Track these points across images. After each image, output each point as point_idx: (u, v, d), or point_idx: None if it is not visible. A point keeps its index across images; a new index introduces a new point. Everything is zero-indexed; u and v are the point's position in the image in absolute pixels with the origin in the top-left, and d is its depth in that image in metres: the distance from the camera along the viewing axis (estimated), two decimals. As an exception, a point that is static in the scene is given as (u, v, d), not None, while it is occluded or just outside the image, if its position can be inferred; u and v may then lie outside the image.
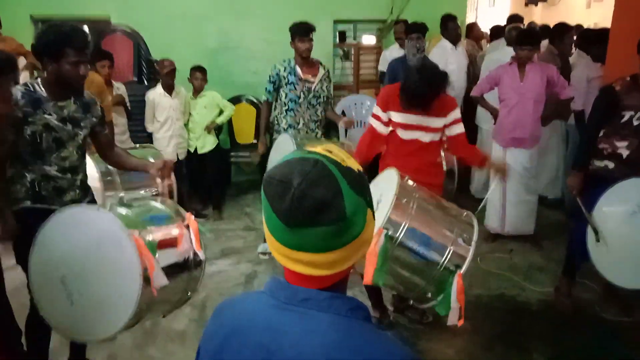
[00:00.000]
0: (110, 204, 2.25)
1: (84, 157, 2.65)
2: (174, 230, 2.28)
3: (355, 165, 0.91)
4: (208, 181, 4.99)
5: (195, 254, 2.33)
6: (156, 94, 4.82)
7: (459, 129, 3.09)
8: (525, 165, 4.28)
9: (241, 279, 3.94)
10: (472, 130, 5.62)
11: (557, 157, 5.23)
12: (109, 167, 3.17)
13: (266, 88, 4.21)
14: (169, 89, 4.79)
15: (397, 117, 3.05)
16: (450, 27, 5.27)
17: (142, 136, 4.85)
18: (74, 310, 2.09)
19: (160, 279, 2.04)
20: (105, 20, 5.70)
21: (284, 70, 4.12)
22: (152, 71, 5.34)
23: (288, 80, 4.12)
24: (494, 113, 4.46)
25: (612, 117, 3.16)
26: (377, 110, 3.13)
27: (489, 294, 3.72)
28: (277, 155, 3.94)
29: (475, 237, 2.59)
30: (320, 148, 0.92)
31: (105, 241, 2.05)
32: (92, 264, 2.05)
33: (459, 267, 2.49)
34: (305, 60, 4.13)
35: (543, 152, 4.78)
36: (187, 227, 2.34)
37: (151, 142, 4.73)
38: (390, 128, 3.12)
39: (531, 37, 4.17)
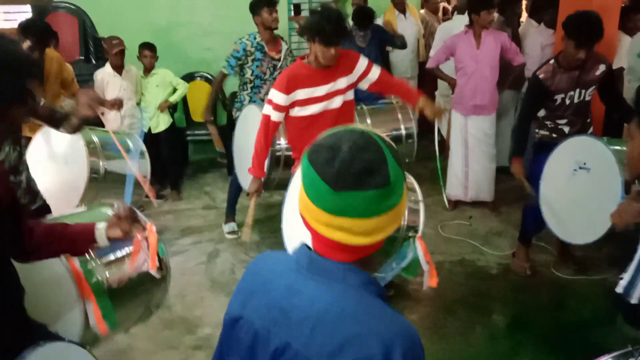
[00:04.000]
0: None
1: (22, 155, 2.45)
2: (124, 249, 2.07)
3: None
4: (164, 161, 4.87)
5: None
6: (105, 74, 4.64)
7: (376, 70, 2.96)
8: (487, 131, 4.37)
9: (203, 257, 3.88)
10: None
11: (509, 126, 5.31)
12: (94, 137, 3.15)
13: (228, 61, 4.01)
14: (119, 68, 4.62)
15: (306, 92, 2.87)
16: None
17: (92, 117, 4.66)
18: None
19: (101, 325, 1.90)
20: (47, -3, 5.42)
21: (251, 46, 3.96)
22: (99, 49, 5.13)
23: (255, 57, 3.97)
24: (452, 83, 4.50)
25: (546, 102, 3.29)
26: (276, 96, 2.87)
27: (450, 260, 3.78)
28: (247, 127, 3.85)
29: (420, 196, 2.61)
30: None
31: (39, 273, 1.86)
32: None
33: (415, 231, 2.51)
34: (271, 35, 4.00)
35: (498, 122, 4.85)
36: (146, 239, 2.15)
37: (101, 123, 4.55)
38: (282, 117, 2.94)
39: (492, 0, 4.17)
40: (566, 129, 3.30)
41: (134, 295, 2.12)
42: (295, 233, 2.69)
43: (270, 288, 0.99)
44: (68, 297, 1.85)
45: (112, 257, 2.07)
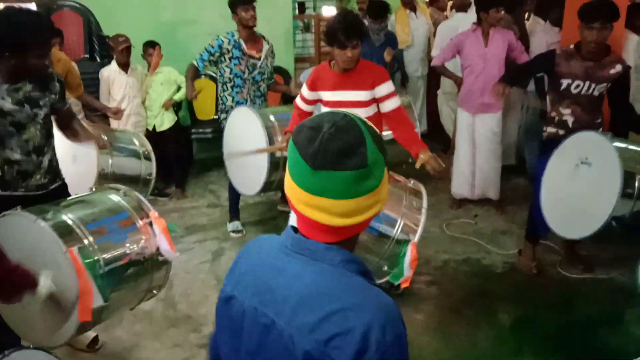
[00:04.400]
0: (54, 210, 2.13)
1: (50, 137, 2.53)
2: (130, 240, 2.20)
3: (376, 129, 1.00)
4: (169, 159, 4.87)
5: (159, 253, 2.24)
6: (111, 71, 4.64)
7: (392, 104, 2.90)
8: (494, 129, 4.36)
9: (208, 256, 3.88)
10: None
11: (515, 124, 5.29)
12: (103, 136, 3.18)
13: (201, 55, 3.91)
14: (125, 66, 4.62)
15: (328, 95, 2.96)
16: None
17: (98, 115, 4.67)
18: (27, 315, 2.05)
19: (97, 300, 1.96)
20: (52, -4, 5.42)
21: (228, 43, 3.88)
22: (104, 47, 5.13)
23: (233, 55, 3.90)
24: (458, 81, 4.48)
25: (552, 82, 3.30)
26: (303, 88, 3.09)
27: (455, 259, 3.77)
28: (236, 129, 3.84)
29: (424, 204, 2.59)
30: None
31: (39, 256, 1.98)
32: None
33: (411, 236, 2.50)
34: (250, 34, 3.93)
35: (504, 120, 4.84)
36: (151, 224, 2.25)
37: (107, 121, 4.57)
38: (311, 108, 3.10)
39: None
40: (570, 120, 3.26)
41: (135, 277, 2.19)
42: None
43: (259, 268, 1.03)
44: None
45: (111, 242, 2.15)
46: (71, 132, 2.68)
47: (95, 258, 2.04)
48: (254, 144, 3.57)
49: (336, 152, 0.91)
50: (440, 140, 5.67)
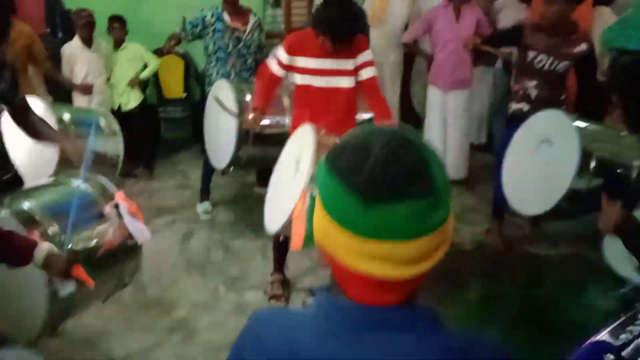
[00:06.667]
0: (11, 198, 2.04)
1: None
2: (97, 228, 2.12)
3: None
4: (136, 139, 4.74)
5: (128, 237, 2.15)
6: (73, 48, 4.46)
7: (371, 72, 2.91)
8: (464, 106, 4.39)
9: (177, 237, 3.83)
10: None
11: (484, 102, 5.32)
12: (65, 114, 2.99)
13: (184, 24, 4.00)
14: (88, 41, 4.46)
15: (309, 62, 2.83)
16: None
17: (60, 92, 4.51)
18: None
19: (66, 287, 1.89)
20: (9, -32, 5.17)
21: (211, 16, 3.90)
22: (66, 23, 4.94)
23: (216, 28, 3.91)
24: (429, 58, 4.46)
25: (520, 52, 3.31)
26: (280, 51, 2.89)
27: (426, 237, 3.80)
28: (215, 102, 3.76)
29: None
30: None
31: None
32: None
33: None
34: (235, 8, 3.91)
35: (472, 98, 4.85)
36: (117, 207, 2.13)
37: (70, 98, 4.42)
38: (283, 73, 2.93)
39: None
40: (533, 93, 3.28)
41: (106, 266, 2.12)
42: (273, 200, 2.64)
43: None
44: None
45: (82, 229, 2.06)
46: (33, 131, 2.37)
47: (63, 248, 1.93)
48: (228, 117, 3.49)
49: (395, 178, 0.70)
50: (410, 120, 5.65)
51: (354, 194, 0.70)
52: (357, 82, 2.92)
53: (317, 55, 2.81)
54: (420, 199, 0.70)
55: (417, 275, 0.73)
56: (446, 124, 4.42)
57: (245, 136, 3.47)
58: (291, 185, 2.32)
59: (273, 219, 2.52)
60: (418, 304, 0.78)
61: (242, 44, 3.96)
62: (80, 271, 1.73)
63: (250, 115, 2.99)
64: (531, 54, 3.24)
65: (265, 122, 3.15)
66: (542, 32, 3.19)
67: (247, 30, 3.98)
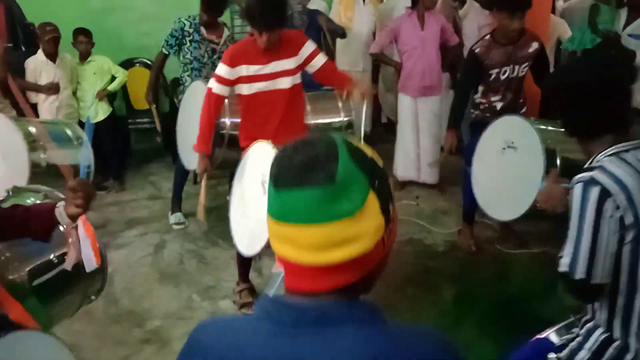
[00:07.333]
0: None
1: None
2: (55, 248, 2.00)
3: (370, 151, 0.84)
4: (105, 151, 4.69)
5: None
6: (37, 62, 4.40)
7: (322, 58, 2.94)
8: (435, 112, 4.45)
9: (149, 249, 3.79)
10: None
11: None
12: (31, 128, 2.95)
13: (167, 41, 4.03)
14: (53, 56, 4.39)
15: (254, 69, 2.81)
16: None
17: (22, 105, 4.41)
18: None
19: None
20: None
21: (189, 26, 3.97)
22: (29, 36, 4.85)
23: (193, 38, 3.99)
24: (397, 67, 4.51)
25: (482, 77, 3.37)
26: (220, 68, 2.82)
27: (399, 240, 3.76)
28: (191, 103, 3.73)
29: None
30: None
31: None
32: None
33: None
34: (212, 22, 4.02)
35: (443, 103, 4.92)
36: (76, 228, 1.97)
37: (36, 113, 4.34)
38: (229, 90, 2.88)
39: None
40: (499, 105, 3.38)
41: (66, 290, 2.05)
42: (242, 221, 2.65)
43: None
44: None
45: (34, 256, 1.98)
46: None
47: (17, 274, 1.85)
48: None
49: (297, 166, 0.77)
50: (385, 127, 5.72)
51: (271, 180, 0.80)
52: (318, 74, 2.96)
53: (259, 61, 2.81)
54: (318, 187, 0.76)
55: (325, 263, 0.76)
56: (419, 129, 4.48)
57: (219, 139, 3.48)
58: (262, 205, 2.33)
59: (248, 243, 2.53)
60: (358, 300, 0.82)
61: (216, 55, 4.04)
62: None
63: (199, 168, 3.01)
64: (494, 72, 3.32)
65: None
66: (494, 47, 3.28)
67: (222, 42, 4.08)
